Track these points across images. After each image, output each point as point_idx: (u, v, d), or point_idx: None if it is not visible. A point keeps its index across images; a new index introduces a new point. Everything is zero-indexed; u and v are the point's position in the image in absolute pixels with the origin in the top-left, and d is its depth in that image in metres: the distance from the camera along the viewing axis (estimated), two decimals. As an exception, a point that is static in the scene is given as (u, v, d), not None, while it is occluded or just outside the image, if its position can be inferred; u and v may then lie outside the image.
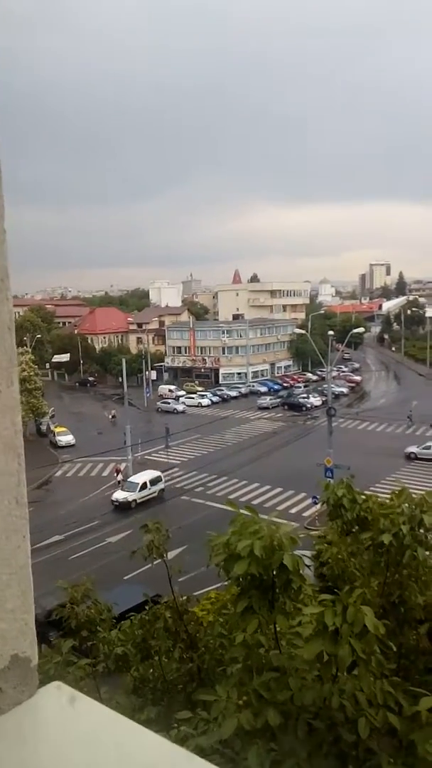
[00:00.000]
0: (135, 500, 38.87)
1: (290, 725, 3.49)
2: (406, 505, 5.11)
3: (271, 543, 3.52)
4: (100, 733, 1.07)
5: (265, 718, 3.40)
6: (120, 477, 44.35)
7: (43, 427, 61.47)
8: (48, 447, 56.83)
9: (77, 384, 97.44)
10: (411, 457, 47.18)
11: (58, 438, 57.14)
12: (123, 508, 38.39)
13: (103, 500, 40.89)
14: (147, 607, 7.18)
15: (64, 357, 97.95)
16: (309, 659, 3.50)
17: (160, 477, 41.63)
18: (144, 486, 39.82)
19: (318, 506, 31.00)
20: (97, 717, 1.10)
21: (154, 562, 6.53)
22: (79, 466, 49.64)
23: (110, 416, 65.75)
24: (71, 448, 55.26)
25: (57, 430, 58.61)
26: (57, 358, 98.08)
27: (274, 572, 3.60)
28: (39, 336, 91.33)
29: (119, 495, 39.23)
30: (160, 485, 41.35)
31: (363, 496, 6.05)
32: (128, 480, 40.76)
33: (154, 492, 40.52)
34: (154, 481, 40.90)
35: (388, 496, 5.62)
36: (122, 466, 45.70)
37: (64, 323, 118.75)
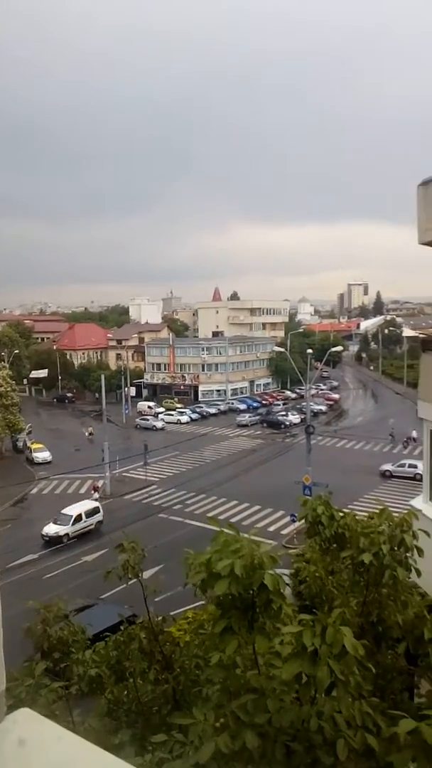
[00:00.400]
0: (67, 534, 35.87)
1: (268, 748, 3.42)
2: (387, 524, 5.11)
3: (251, 562, 3.47)
4: (69, 763, 1.02)
5: (243, 741, 3.33)
6: (96, 495, 43.83)
7: (20, 444, 60.69)
8: (24, 464, 56.08)
9: (55, 400, 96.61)
10: (386, 475, 47.49)
11: (34, 454, 56.38)
12: (53, 542, 35.40)
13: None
14: (122, 628, 7.05)
15: (42, 373, 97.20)
16: (287, 680, 3.45)
17: (97, 508, 38.62)
18: (78, 518, 36.74)
19: (296, 524, 30.97)
20: (66, 745, 1.05)
21: (129, 582, 6.42)
22: (55, 483, 49.00)
23: (87, 434, 65.00)
24: (48, 465, 54.58)
25: (34, 446, 57.87)
26: (35, 374, 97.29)
27: (254, 591, 3.55)
28: (17, 351, 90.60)
29: (50, 529, 36.05)
30: (98, 517, 38.16)
31: (341, 513, 6.05)
32: (61, 512, 37.44)
33: (90, 524, 37.47)
34: (90, 513, 37.84)
35: (366, 514, 5.62)
36: (100, 483, 45.26)
37: (42, 339, 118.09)
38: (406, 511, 5.39)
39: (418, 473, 42.59)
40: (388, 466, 48.38)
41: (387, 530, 5.01)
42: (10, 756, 1.05)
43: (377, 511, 5.48)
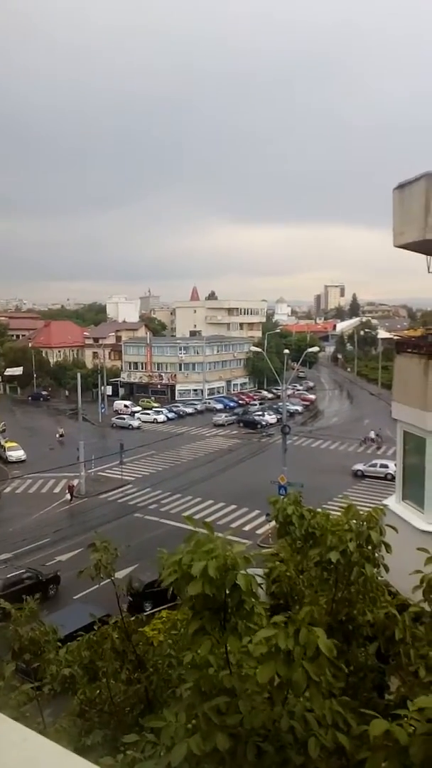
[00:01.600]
0: None
1: (239, 749, 3.43)
2: (354, 521, 5.14)
3: (224, 563, 3.48)
4: (33, 764, 1.02)
5: (214, 742, 3.33)
6: (69, 496, 43.35)
7: (-7, 442, 59.92)
8: (-3, 462, 55.39)
9: (30, 398, 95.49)
10: (358, 475, 48.01)
11: (8, 453, 55.67)
12: None
13: (54, 517, 39.99)
14: (95, 628, 7.01)
15: (17, 370, 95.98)
16: (262, 683, 3.46)
17: None
18: None
19: (271, 523, 31.10)
20: (31, 746, 1.04)
21: (102, 582, 6.38)
22: (29, 482, 48.43)
23: (58, 435, 63.65)
24: (22, 464, 53.96)
25: (7, 444, 57.11)
26: (9, 371, 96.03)
27: (227, 592, 3.56)
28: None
29: None
30: None
31: (311, 512, 6.08)
32: None
33: None
34: None
35: (339, 514, 5.66)
36: (75, 483, 44.87)
37: (17, 336, 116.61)
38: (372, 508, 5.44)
39: (389, 473, 43.24)
40: (359, 466, 48.95)
41: (354, 527, 5.05)
42: None
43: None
